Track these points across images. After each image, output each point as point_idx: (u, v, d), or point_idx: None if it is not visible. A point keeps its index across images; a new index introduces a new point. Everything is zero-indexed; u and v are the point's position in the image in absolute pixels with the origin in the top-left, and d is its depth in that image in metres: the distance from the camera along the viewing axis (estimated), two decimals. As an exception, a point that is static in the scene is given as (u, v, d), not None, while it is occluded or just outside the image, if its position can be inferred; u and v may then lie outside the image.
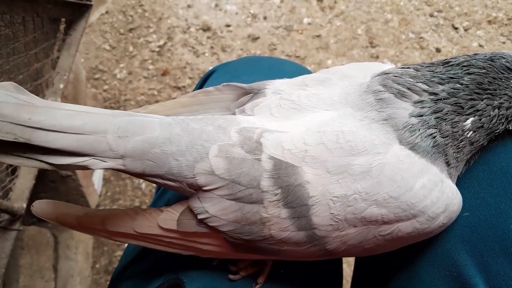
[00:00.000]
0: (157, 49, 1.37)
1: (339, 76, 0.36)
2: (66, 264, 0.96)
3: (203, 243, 0.33)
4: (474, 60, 0.32)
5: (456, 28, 1.37)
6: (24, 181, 0.71)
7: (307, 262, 0.37)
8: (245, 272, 0.37)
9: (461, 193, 0.32)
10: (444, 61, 0.33)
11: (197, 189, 0.31)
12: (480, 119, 0.31)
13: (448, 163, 0.32)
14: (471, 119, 0.31)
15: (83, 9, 0.83)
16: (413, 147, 0.31)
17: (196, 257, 0.34)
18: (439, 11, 1.40)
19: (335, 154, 0.30)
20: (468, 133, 0.31)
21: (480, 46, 1.34)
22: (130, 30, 1.41)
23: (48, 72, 0.80)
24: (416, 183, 0.30)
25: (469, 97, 0.31)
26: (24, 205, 0.68)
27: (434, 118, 0.31)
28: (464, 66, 0.32)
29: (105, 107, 1.26)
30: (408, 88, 0.32)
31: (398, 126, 0.31)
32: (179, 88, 1.31)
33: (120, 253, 1.11)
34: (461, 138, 0.31)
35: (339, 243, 0.31)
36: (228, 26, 1.39)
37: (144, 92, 1.30)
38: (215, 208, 0.31)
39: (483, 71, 0.31)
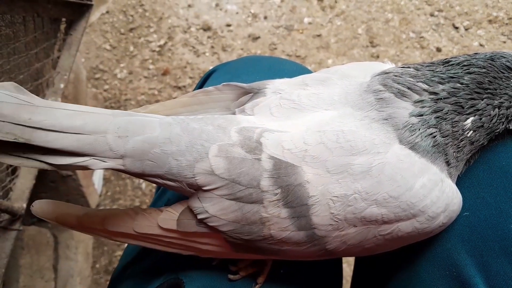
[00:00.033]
0: (157, 49, 1.37)
1: (339, 76, 0.36)
2: (66, 264, 0.96)
3: (203, 243, 0.33)
4: (475, 60, 0.32)
5: (456, 28, 1.37)
6: (24, 181, 0.71)
7: (307, 262, 0.37)
8: (245, 272, 0.37)
9: (461, 192, 0.32)
10: (444, 61, 0.33)
11: (197, 189, 0.31)
12: (480, 119, 0.31)
13: (448, 163, 0.32)
14: (471, 118, 0.31)
15: (84, 9, 0.83)
16: (413, 147, 0.30)
17: (196, 257, 0.34)
18: (440, 10, 1.40)
19: (335, 154, 0.30)
20: (468, 133, 0.31)
21: (481, 45, 1.34)
22: (131, 29, 1.41)
23: (49, 72, 0.80)
24: (416, 183, 0.30)
25: (469, 96, 0.31)
26: (24, 205, 0.68)
27: (434, 118, 0.31)
28: (465, 65, 0.32)
29: (106, 107, 1.27)
30: (408, 88, 0.32)
31: (398, 126, 0.31)
32: (179, 88, 1.31)
33: (120, 253, 1.12)
34: (461, 138, 0.31)
35: (339, 242, 0.31)
36: (228, 25, 1.39)
37: (144, 91, 1.31)
38: (215, 208, 0.31)
39: (484, 70, 0.31)
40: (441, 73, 0.32)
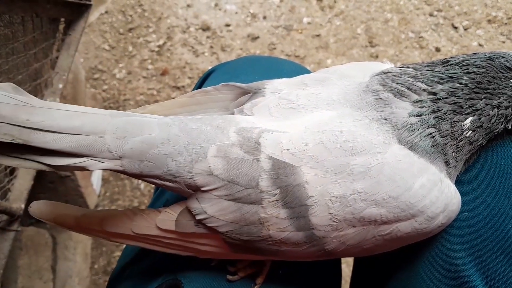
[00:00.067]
0: (156, 49, 1.37)
1: (338, 76, 0.36)
2: (65, 265, 0.96)
3: (201, 243, 0.32)
4: (474, 60, 0.32)
5: (455, 28, 1.37)
6: (23, 182, 0.71)
7: (306, 262, 0.37)
8: (243, 272, 0.37)
9: (460, 192, 0.32)
10: (443, 61, 0.33)
11: (195, 190, 0.31)
12: (479, 119, 0.31)
13: (447, 163, 0.31)
14: (470, 118, 0.31)
15: (83, 9, 0.82)
16: (412, 147, 0.30)
17: (195, 257, 0.34)
18: (439, 10, 1.40)
19: (334, 154, 0.30)
20: (467, 133, 0.31)
21: (480, 45, 1.34)
22: (130, 30, 1.41)
23: (47, 72, 0.80)
24: (415, 183, 0.30)
25: (468, 96, 0.31)
26: (23, 206, 0.68)
27: (433, 118, 0.31)
28: (464, 65, 0.32)
29: (104, 107, 1.27)
30: (407, 88, 0.31)
31: (397, 126, 0.31)
32: (178, 88, 1.31)
33: (118, 253, 1.11)
34: (460, 138, 0.31)
35: (338, 243, 0.31)
36: (227, 25, 1.39)
37: (143, 92, 1.30)
38: (213, 209, 0.30)
39: (483, 70, 0.31)
40: (440, 73, 0.32)
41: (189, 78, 1.32)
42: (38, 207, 0.32)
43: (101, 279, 1.09)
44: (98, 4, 1.42)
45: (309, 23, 1.39)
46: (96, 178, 1.14)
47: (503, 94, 0.31)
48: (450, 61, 0.32)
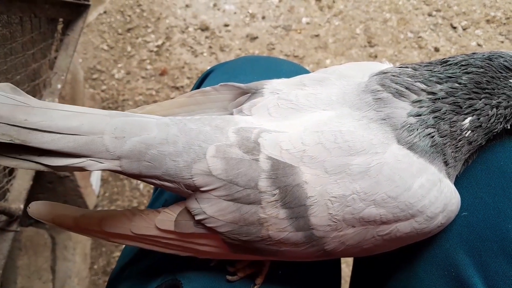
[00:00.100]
0: (155, 49, 1.36)
1: (337, 76, 0.36)
2: (64, 265, 0.96)
3: (200, 244, 0.32)
4: (472, 60, 0.32)
5: (454, 28, 1.37)
6: (22, 182, 0.71)
7: (306, 262, 0.37)
8: (243, 273, 0.37)
9: (459, 192, 0.32)
10: (442, 61, 0.33)
11: (194, 190, 0.31)
12: (478, 119, 0.31)
13: (446, 163, 0.31)
14: (469, 118, 0.31)
15: (81, 9, 0.82)
16: (411, 147, 0.30)
17: (194, 258, 0.34)
18: (438, 10, 1.40)
19: (333, 154, 0.30)
20: (466, 133, 0.31)
21: (479, 45, 1.34)
22: (128, 30, 1.40)
23: (46, 73, 0.79)
24: (414, 183, 0.30)
25: (467, 96, 0.31)
26: (22, 206, 0.68)
27: (432, 118, 0.31)
28: (462, 65, 0.32)
29: (103, 107, 1.26)
30: (406, 88, 0.31)
31: (396, 126, 0.31)
32: (177, 88, 1.30)
33: (118, 254, 1.11)
34: (459, 138, 0.31)
35: (337, 243, 0.31)
36: (226, 25, 1.39)
37: (142, 92, 1.30)
38: (212, 209, 0.30)
39: (481, 70, 0.31)
40: (439, 73, 0.32)
41: (188, 78, 1.32)
42: (37, 208, 0.32)
43: (101, 280, 1.09)
44: (96, 4, 1.41)
45: (308, 23, 1.39)
46: (95, 179, 1.14)
47: (502, 94, 0.31)
48: (449, 61, 0.32)
